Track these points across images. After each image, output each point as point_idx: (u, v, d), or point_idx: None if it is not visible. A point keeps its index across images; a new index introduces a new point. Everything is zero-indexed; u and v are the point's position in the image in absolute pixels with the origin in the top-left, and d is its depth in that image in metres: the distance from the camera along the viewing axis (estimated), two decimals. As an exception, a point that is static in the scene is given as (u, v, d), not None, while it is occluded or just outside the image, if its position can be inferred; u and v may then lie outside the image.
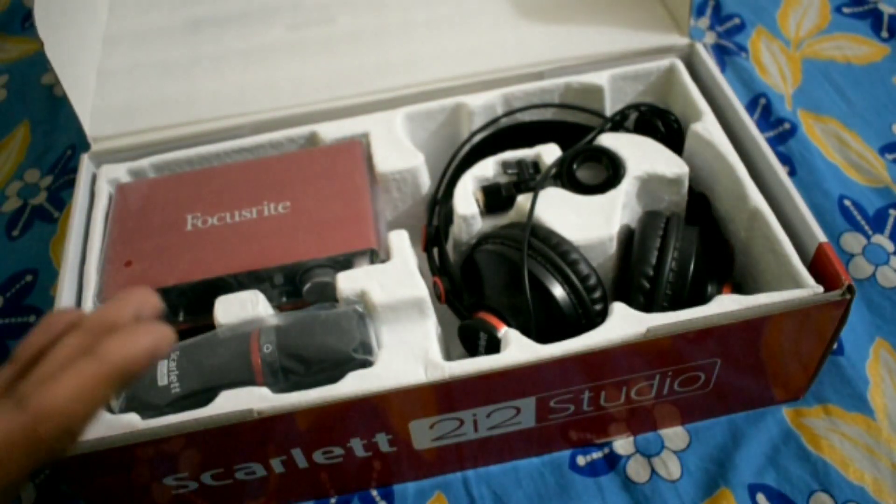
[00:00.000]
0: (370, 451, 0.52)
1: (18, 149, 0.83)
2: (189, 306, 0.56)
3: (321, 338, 0.49)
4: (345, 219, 0.57)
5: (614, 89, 0.66)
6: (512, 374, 0.47)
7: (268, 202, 0.58)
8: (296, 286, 0.56)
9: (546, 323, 0.51)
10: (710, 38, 0.84)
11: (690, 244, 0.53)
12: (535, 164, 0.60)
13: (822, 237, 0.51)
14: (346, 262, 0.55)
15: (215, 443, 0.47)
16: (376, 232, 0.56)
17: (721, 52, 0.82)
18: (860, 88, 0.77)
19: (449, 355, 0.56)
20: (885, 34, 0.82)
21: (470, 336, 0.53)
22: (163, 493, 0.51)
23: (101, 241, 0.58)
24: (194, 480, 0.50)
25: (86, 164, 0.64)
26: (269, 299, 0.54)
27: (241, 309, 0.52)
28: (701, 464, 0.55)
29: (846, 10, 0.85)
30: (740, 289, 0.53)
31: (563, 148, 0.61)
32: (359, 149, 0.62)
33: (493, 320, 0.51)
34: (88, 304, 0.54)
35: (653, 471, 0.55)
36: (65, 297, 0.54)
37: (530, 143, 0.61)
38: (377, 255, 0.56)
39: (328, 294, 0.54)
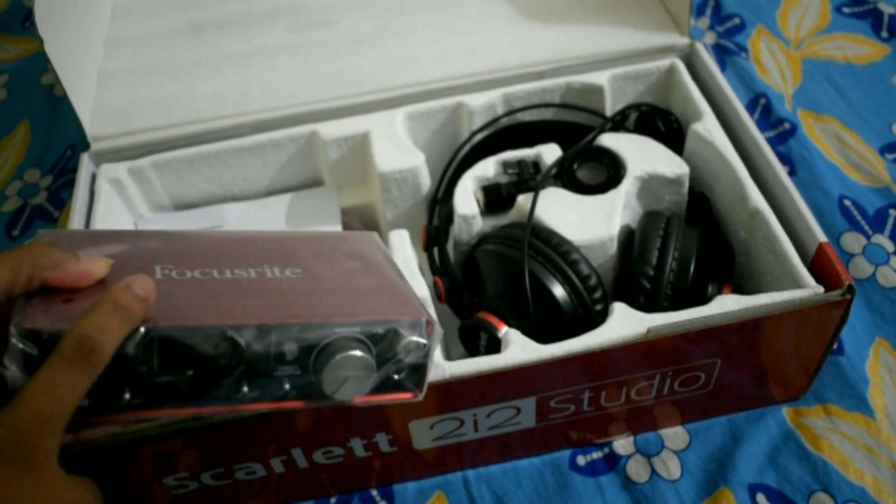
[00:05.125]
0: (370, 451, 0.52)
1: (18, 149, 0.83)
2: (147, 381, 0.36)
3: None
4: (376, 290, 0.43)
5: (614, 89, 0.66)
6: (512, 374, 0.47)
7: (269, 266, 0.43)
8: (307, 369, 0.39)
9: (547, 323, 0.51)
10: (710, 38, 0.84)
11: (691, 244, 0.53)
12: (536, 164, 0.60)
13: (822, 237, 0.51)
14: (384, 339, 0.40)
15: (215, 443, 0.47)
16: (423, 307, 0.42)
17: (721, 52, 0.82)
18: (860, 88, 0.77)
19: (449, 355, 0.56)
20: (885, 34, 0.82)
21: (470, 336, 0.53)
22: (163, 493, 0.51)
23: None
24: (194, 480, 0.50)
25: (86, 164, 0.64)
26: (269, 389, 0.39)
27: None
28: (701, 464, 0.55)
29: (846, 10, 0.85)
30: (740, 289, 0.53)
31: (563, 148, 0.61)
32: (373, 238, 0.50)
33: (493, 320, 0.51)
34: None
35: (653, 471, 0.55)
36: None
37: (531, 143, 0.61)
38: (429, 331, 0.40)
39: (358, 384, 0.39)
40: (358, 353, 0.38)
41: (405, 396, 0.42)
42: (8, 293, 0.36)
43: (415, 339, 0.40)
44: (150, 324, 0.36)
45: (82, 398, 0.34)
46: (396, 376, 0.41)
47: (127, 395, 0.36)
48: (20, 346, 0.34)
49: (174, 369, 0.37)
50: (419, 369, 0.41)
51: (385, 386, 0.41)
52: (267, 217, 0.65)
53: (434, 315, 0.41)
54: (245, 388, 0.38)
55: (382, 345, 0.40)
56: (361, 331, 0.39)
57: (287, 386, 0.39)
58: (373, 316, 0.39)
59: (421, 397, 0.42)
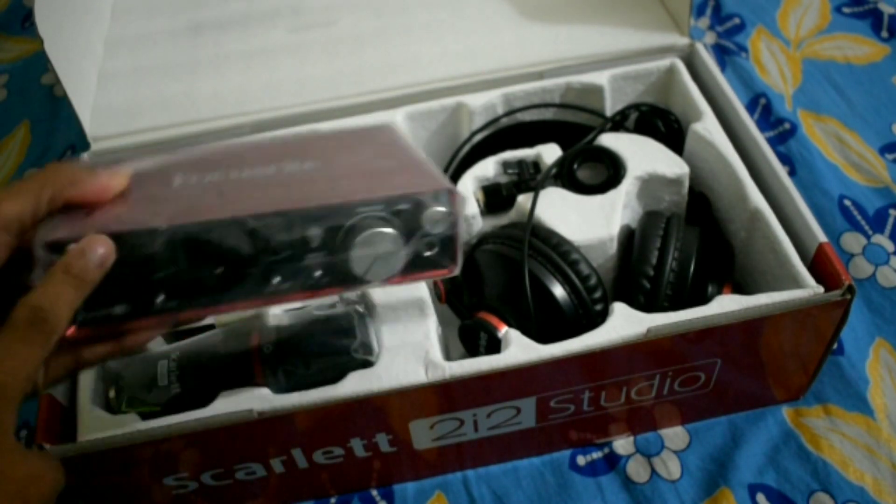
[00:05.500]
0: (370, 451, 0.52)
1: (18, 149, 0.83)
2: (178, 281, 0.37)
3: (322, 338, 0.49)
4: (396, 168, 0.42)
5: (614, 89, 0.66)
6: (512, 374, 0.47)
7: (289, 161, 0.42)
8: (337, 252, 0.39)
9: (546, 323, 0.51)
10: (710, 38, 0.84)
11: (691, 244, 0.53)
12: (536, 164, 0.60)
13: (822, 237, 0.51)
14: (411, 215, 0.39)
15: (215, 443, 0.47)
16: (445, 178, 0.41)
17: (721, 52, 0.82)
18: (860, 88, 0.77)
19: (449, 355, 0.56)
20: (885, 34, 0.82)
21: (470, 336, 0.52)
22: (163, 493, 0.51)
23: None
24: (194, 480, 0.50)
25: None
26: (299, 278, 0.38)
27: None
28: (701, 464, 0.55)
29: (846, 10, 0.85)
30: (740, 289, 0.53)
31: (563, 148, 0.61)
32: (393, 130, 0.49)
33: (493, 320, 0.51)
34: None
35: (653, 471, 0.55)
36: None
37: (531, 143, 0.61)
38: (453, 200, 0.39)
39: (388, 261, 0.39)
40: (383, 229, 0.38)
41: (440, 272, 0.41)
42: (34, 218, 0.36)
43: (439, 209, 0.39)
44: (172, 223, 0.35)
45: (37, 370, 0.34)
46: (428, 253, 0.40)
47: (161, 298, 0.36)
48: (46, 257, 0.34)
49: (202, 266, 0.36)
50: (450, 243, 0.40)
51: (418, 264, 0.40)
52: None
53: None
54: (276, 279, 0.38)
55: (407, 219, 0.39)
56: (384, 207, 0.38)
57: (317, 273, 0.38)
58: (394, 191, 0.38)
59: (457, 271, 0.41)
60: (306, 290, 0.39)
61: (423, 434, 0.51)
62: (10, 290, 0.36)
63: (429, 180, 0.40)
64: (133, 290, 0.36)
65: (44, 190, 0.36)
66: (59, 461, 0.37)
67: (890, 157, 0.71)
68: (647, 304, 0.52)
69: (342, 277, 0.39)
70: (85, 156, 0.63)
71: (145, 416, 0.47)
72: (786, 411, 0.57)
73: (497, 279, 0.53)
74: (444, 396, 0.48)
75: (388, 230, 0.38)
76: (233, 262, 0.37)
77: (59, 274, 0.34)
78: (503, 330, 0.50)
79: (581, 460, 0.56)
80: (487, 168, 0.60)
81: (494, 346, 0.50)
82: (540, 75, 0.67)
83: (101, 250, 0.35)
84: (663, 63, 0.66)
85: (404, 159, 0.43)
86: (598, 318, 0.51)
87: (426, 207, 0.39)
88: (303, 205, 0.37)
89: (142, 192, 0.38)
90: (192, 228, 0.36)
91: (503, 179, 0.60)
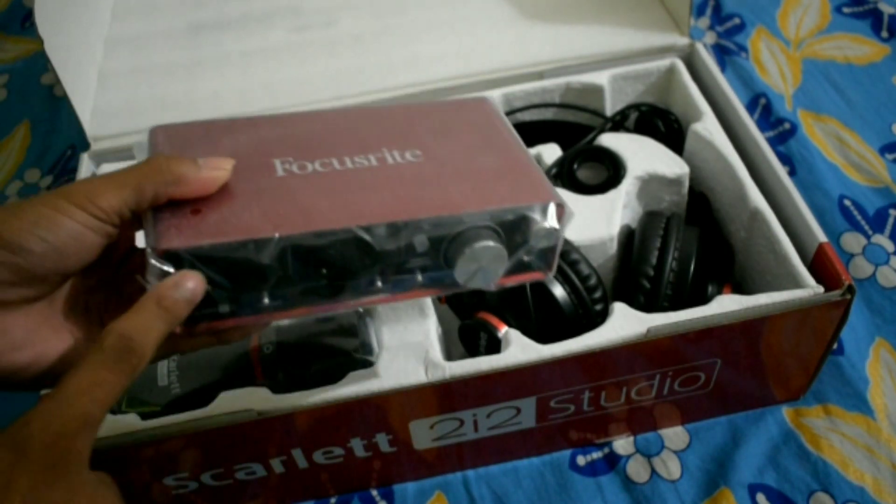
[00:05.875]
0: (370, 451, 0.52)
1: (18, 149, 0.83)
2: (283, 284, 0.37)
3: (322, 338, 0.49)
4: (501, 171, 0.41)
5: (614, 89, 0.66)
6: (512, 374, 0.47)
7: (388, 149, 0.41)
8: (438, 260, 0.39)
9: (547, 323, 0.51)
10: (711, 37, 0.84)
11: (691, 244, 0.53)
12: (536, 164, 0.60)
13: (822, 237, 0.51)
14: (515, 226, 0.39)
15: (215, 443, 0.47)
16: (550, 187, 0.41)
17: (721, 52, 0.83)
18: (860, 88, 0.77)
19: (449, 355, 0.56)
20: (885, 34, 0.82)
21: (470, 336, 0.52)
22: (163, 493, 0.51)
23: None
24: (194, 480, 0.50)
25: (86, 164, 0.64)
26: (401, 282, 0.39)
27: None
28: (701, 464, 0.55)
29: (846, 10, 0.85)
30: (740, 289, 0.53)
31: (563, 148, 0.61)
32: (489, 106, 0.48)
33: (493, 320, 0.51)
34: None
35: (653, 471, 0.55)
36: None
37: (531, 143, 0.61)
38: (559, 215, 0.39)
39: (490, 272, 0.39)
40: (490, 243, 0.38)
41: (535, 276, 0.41)
42: (135, 210, 0.36)
43: (546, 225, 0.39)
44: (284, 234, 0.35)
45: (118, 399, 0.34)
46: (526, 258, 0.40)
47: (266, 301, 0.37)
48: (160, 266, 0.34)
49: (309, 272, 0.37)
50: (550, 251, 0.40)
51: (515, 268, 0.40)
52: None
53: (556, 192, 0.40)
54: (378, 283, 0.38)
55: (514, 232, 0.39)
56: (492, 219, 0.38)
57: (419, 277, 0.39)
58: (502, 203, 0.38)
59: (551, 276, 0.41)
60: (406, 292, 0.39)
61: (423, 434, 0.51)
62: (104, 279, 0.39)
63: (535, 189, 0.39)
64: (240, 291, 0.36)
65: (147, 186, 0.36)
66: (114, 482, 0.37)
67: (890, 157, 0.71)
68: (647, 304, 0.52)
69: (442, 282, 0.39)
70: (86, 158, 0.63)
71: (145, 416, 0.47)
72: (786, 411, 0.57)
73: (497, 279, 0.53)
74: (444, 396, 0.48)
75: (496, 245, 0.38)
76: (339, 269, 0.37)
77: (152, 305, 0.34)
78: (503, 330, 0.50)
79: (581, 460, 0.56)
80: (487, 168, 0.60)
81: (494, 346, 0.50)
82: (540, 75, 0.67)
83: (190, 285, 0.35)
84: (663, 63, 0.66)
85: (508, 155, 0.42)
86: (598, 318, 0.51)
87: (534, 223, 0.39)
88: (413, 216, 0.37)
89: (245, 183, 0.38)
90: (304, 239, 0.36)
91: (503, 179, 0.60)
